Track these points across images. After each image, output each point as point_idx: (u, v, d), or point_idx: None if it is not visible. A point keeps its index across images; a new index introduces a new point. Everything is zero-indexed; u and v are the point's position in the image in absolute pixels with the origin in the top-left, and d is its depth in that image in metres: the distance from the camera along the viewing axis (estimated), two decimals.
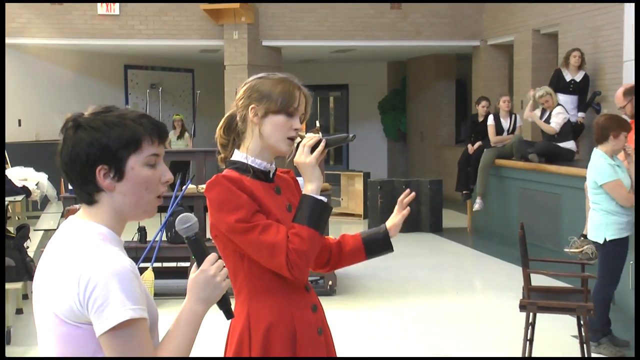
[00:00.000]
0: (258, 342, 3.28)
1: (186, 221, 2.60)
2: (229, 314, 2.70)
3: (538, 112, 13.32)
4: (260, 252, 3.13)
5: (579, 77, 12.92)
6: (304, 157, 3.24)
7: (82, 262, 2.37)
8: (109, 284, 2.33)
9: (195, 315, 2.53)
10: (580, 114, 12.89)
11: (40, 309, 2.48)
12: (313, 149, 3.26)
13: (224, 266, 2.59)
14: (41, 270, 2.51)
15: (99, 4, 17.54)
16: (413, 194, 3.81)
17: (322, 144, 3.28)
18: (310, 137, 3.30)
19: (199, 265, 2.57)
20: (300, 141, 3.31)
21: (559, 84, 13.05)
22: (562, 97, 12.95)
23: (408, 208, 3.79)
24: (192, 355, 2.53)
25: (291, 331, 3.27)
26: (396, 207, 3.78)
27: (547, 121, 13.05)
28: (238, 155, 3.34)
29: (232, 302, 2.76)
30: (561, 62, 13.26)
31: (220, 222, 3.21)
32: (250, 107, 3.29)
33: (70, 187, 10.31)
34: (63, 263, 2.42)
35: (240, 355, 3.32)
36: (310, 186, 3.26)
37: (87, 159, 2.42)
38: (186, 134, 17.27)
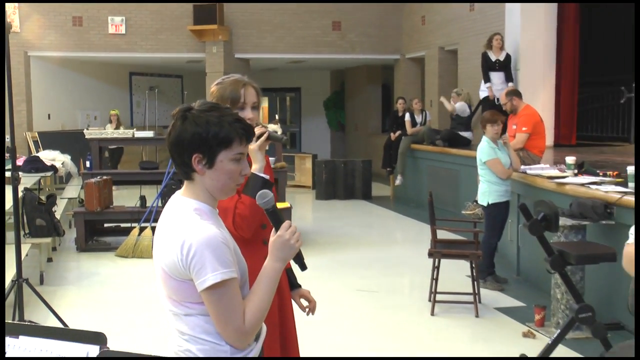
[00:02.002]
0: None
1: (265, 197, 2.53)
2: (302, 267, 2.65)
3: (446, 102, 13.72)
4: (221, 214, 2.95)
5: (502, 56, 12.51)
6: (250, 145, 3.13)
7: (183, 234, 2.36)
8: (204, 253, 2.32)
9: (276, 271, 2.50)
10: (510, 84, 12.20)
11: (157, 265, 2.47)
12: (259, 138, 3.21)
13: (296, 230, 2.54)
14: (158, 235, 2.50)
15: (109, 25, 17.50)
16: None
17: (265, 136, 3.24)
18: (258, 127, 3.24)
19: (276, 230, 2.52)
20: (263, 131, 3.26)
21: (487, 64, 12.59)
22: (492, 75, 12.53)
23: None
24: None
25: (243, 272, 3.24)
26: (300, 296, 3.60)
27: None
28: None
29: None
30: (485, 45, 12.66)
31: None
32: None
33: (89, 164, 10.32)
34: (170, 232, 2.42)
35: None
36: (255, 166, 3.19)
37: (187, 146, 2.40)
38: (121, 127, 16.17)
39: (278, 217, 2.55)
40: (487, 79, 12.51)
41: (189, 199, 2.48)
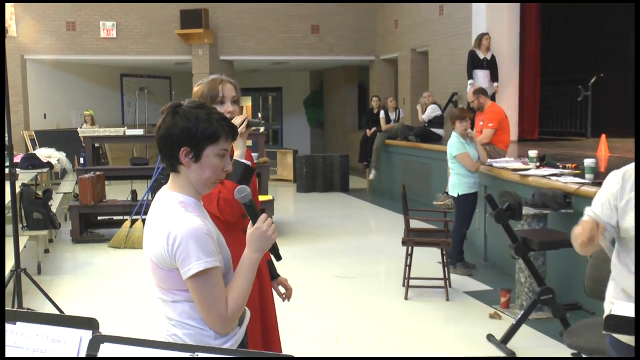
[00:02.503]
0: None
1: (242, 192, 2.53)
2: (278, 257, 2.67)
3: (419, 107, 13.58)
4: (205, 202, 2.98)
5: (489, 55, 12.21)
6: None
7: (169, 225, 2.37)
8: (189, 243, 2.33)
9: (254, 261, 2.50)
10: (495, 84, 12.10)
11: (146, 255, 2.47)
12: (239, 126, 3.19)
13: (272, 222, 2.55)
14: (147, 228, 2.50)
15: (101, 29, 17.42)
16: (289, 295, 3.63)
17: (245, 123, 3.25)
18: (238, 117, 3.26)
19: (253, 223, 2.52)
20: (243, 119, 3.27)
21: (474, 62, 12.19)
22: (478, 72, 12.17)
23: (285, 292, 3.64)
24: None
25: (227, 260, 3.24)
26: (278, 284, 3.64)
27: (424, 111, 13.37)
28: None
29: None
30: (474, 44, 12.26)
31: None
32: None
33: (83, 160, 10.24)
34: (157, 224, 2.43)
35: None
36: (237, 152, 3.19)
37: (176, 139, 2.40)
38: (96, 126, 15.71)
39: (255, 210, 2.56)
40: (470, 76, 12.15)
41: (174, 193, 2.48)
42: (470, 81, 11.99)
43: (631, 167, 3.04)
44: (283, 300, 3.60)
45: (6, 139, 5.97)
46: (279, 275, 3.63)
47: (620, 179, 3.02)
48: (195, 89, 3.35)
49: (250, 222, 2.54)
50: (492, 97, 11.73)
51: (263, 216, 2.54)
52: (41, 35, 17.15)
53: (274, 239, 2.54)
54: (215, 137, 2.44)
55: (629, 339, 2.92)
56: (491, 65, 12.14)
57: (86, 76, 19.01)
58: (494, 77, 12.13)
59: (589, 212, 3.09)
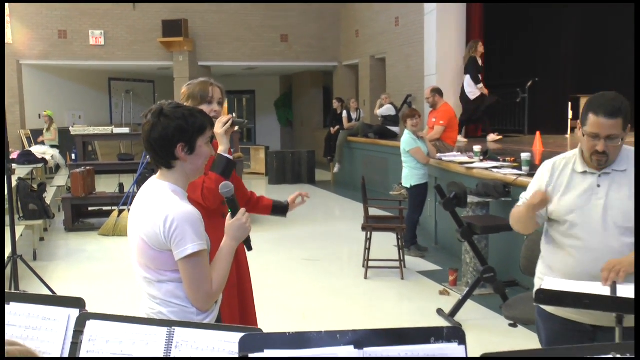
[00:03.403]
0: None
1: (226, 187, 2.55)
2: (249, 248, 2.72)
3: (377, 109, 13.59)
4: (190, 190, 2.98)
5: (481, 62, 11.61)
6: (218, 129, 3.21)
7: (166, 210, 2.35)
8: (185, 226, 2.33)
9: (232, 248, 2.52)
10: (480, 85, 11.43)
11: (134, 238, 2.46)
12: (225, 124, 3.24)
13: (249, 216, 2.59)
14: (136, 212, 2.49)
15: (90, 37, 17.24)
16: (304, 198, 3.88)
17: (230, 122, 3.27)
18: (224, 116, 3.29)
19: (233, 215, 2.54)
20: (228, 119, 3.29)
21: (477, 68, 11.48)
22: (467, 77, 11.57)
23: (301, 201, 3.88)
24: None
25: (207, 244, 3.22)
26: (293, 199, 3.86)
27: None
28: None
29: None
30: (471, 51, 11.46)
31: None
32: (187, 104, 3.14)
33: (74, 156, 10.11)
34: (151, 209, 2.41)
35: None
36: (221, 147, 3.21)
37: (173, 138, 2.40)
38: (52, 127, 15.42)
39: (236, 204, 2.58)
40: (477, 81, 11.45)
41: (167, 183, 2.47)
42: (478, 86, 11.45)
43: (559, 157, 3.08)
44: (305, 200, 3.91)
45: None
46: (287, 203, 3.86)
47: (550, 168, 3.06)
48: (184, 89, 3.38)
49: (230, 214, 2.56)
50: (482, 98, 11.45)
51: (242, 210, 2.57)
52: (35, 42, 16.95)
53: (249, 229, 2.57)
54: (203, 128, 2.47)
55: (553, 309, 2.96)
56: (482, 70, 11.69)
57: (77, 80, 18.78)
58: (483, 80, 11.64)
59: (523, 198, 3.13)
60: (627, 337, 2.40)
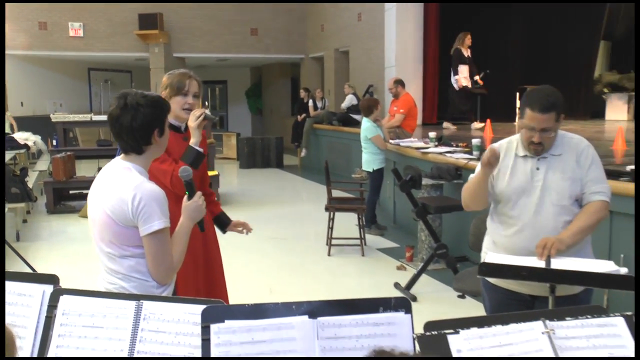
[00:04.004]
0: None
1: (186, 171, 2.58)
2: (202, 229, 2.74)
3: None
4: (160, 174, 3.08)
5: (468, 52, 11.31)
6: (191, 122, 3.21)
7: (134, 189, 2.35)
8: (152, 204, 2.34)
9: (189, 228, 2.54)
10: (477, 77, 11.27)
11: (97, 215, 2.44)
12: (198, 118, 3.22)
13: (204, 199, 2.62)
14: (100, 189, 2.46)
15: (70, 29, 16.95)
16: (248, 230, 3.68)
17: (203, 116, 3.24)
18: (198, 110, 3.26)
19: (189, 198, 2.57)
20: (201, 113, 3.26)
21: (461, 59, 11.22)
22: (462, 67, 11.24)
23: (241, 230, 3.68)
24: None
25: (173, 222, 3.19)
26: (236, 223, 3.67)
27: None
28: None
29: None
30: (458, 43, 11.20)
31: None
32: (164, 92, 3.23)
33: (55, 142, 9.94)
34: (120, 187, 2.39)
35: None
36: (193, 140, 3.20)
37: (152, 123, 2.42)
38: (7, 113, 15.04)
39: (193, 188, 2.62)
40: (456, 72, 11.22)
41: (132, 164, 2.46)
42: (456, 77, 11.27)
43: (503, 142, 3.12)
44: (246, 234, 3.69)
45: None
46: (231, 221, 3.65)
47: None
48: (165, 78, 3.32)
49: (187, 196, 2.59)
50: (466, 88, 11.17)
51: (199, 193, 2.61)
52: (17, 33, 16.60)
53: (204, 212, 2.61)
54: (167, 110, 2.53)
55: (496, 281, 3.02)
56: (470, 62, 11.46)
57: (58, 70, 18.48)
58: (473, 71, 11.42)
59: (470, 178, 3.17)
60: (559, 305, 2.46)
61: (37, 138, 13.74)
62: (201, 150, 3.24)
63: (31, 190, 8.94)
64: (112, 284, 2.44)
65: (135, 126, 2.40)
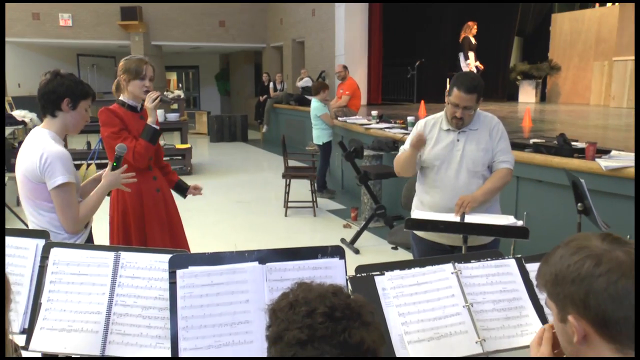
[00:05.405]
0: (118, 196, 3.20)
1: (121, 147, 2.62)
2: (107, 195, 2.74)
3: (298, 82, 13.46)
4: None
5: (474, 40, 10.59)
6: (148, 104, 3.15)
7: (42, 149, 2.39)
8: (56, 162, 2.37)
9: (104, 190, 2.54)
10: (477, 63, 10.49)
11: (19, 175, 2.47)
12: (155, 100, 3.16)
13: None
14: (22, 154, 2.49)
15: (60, 20, 16.38)
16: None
17: (159, 99, 3.18)
18: (154, 93, 3.17)
19: (114, 169, 2.59)
20: (157, 95, 3.18)
21: (470, 46, 10.50)
22: (470, 54, 10.50)
23: (196, 192, 3.53)
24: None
25: (138, 190, 3.16)
26: (194, 187, 3.54)
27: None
28: (122, 98, 3.19)
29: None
30: (466, 31, 10.52)
31: (103, 132, 3.10)
32: (122, 76, 3.17)
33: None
34: (32, 149, 2.43)
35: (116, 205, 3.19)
36: (150, 119, 3.15)
37: (63, 92, 2.46)
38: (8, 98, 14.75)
39: (120, 162, 2.64)
40: (467, 57, 10.46)
41: (47, 130, 2.50)
42: (467, 61, 10.47)
43: (430, 117, 3.20)
44: (198, 194, 3.57)
45: None
46: (189, 186, 3.57)
47: (423, 125, 3.18)
48: (122, 62, 3.22)
49: (114, 167, 2.62)
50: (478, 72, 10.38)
51: (123, 168, 2.63)
52: (13, 22, 16.01)
53: (119, 183, 2.61)
54: (86, 95, 2.53)
55: (422, 234, 3.12)
56: (476, 48, 10.77)
57: (49, 55, 17.87)
58: (477, 57, 10.73)
59: (402, 149, 3.24)
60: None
61: (33, 115, 13.30)
62: (158, 127, 3.19)
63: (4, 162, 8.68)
64: None
65: (47, 90, 2.46)
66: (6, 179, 7.62)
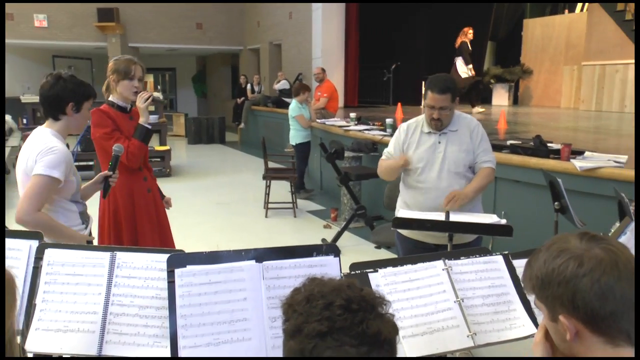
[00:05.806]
0: (112, 198, 3.17)
1: (118, 147, 2.66)
2: (105, 196, 2.80)
3: (275, 84, 13.47)
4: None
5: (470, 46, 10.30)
6: (140, 103, 3.14)
7: (45, 144, 2.41)
8: (49, 155, 2.39)
9: (78, 241, 2.38)
10: (469, 66, 10.09)
11: (20, 173, 2.45)
12: (146, 100, 3.16)
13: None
14: (24, 150, 2.47)
15: (35, 20, 16.09)
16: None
17: (150, 99, 3.20)
18: (145, 93, 3.17)
19: (110, 170, 2.63)
20: (148, 95, 3.18)
21: (469, 51, 10.19)
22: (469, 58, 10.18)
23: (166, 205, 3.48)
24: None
25: (130, 190, 3.17)
26: (166, 200, 3.46)
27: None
28: (111, 98, 3.15)
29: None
30: (463, 36, 10.08)
31: (95, 133, 3.06)
32: (111, 77, 3.14)
33: (25, 121, 9.52)
34: (35, 145, 2.44)
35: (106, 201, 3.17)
36: (142, 118, 3.15)
37: (67, 96, 2.48)
38: None
39: (116, 164, 2.68)
40: (468, 62, 10.14)
41: (49, 129, 2.52)
42: (469, 66, 10.17)
43: (411, 121, 3.24)
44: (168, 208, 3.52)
45: None
46: (165, 196, 3.53)
47: (405, 129, 3.23)
48: (111, 63, 3.20)
49: (110, 167, 2.67)
50: (471, 77, 10.33)
51: (117, 172, 2.68)
52: None
53: (113, 184, 2.70)
54: (89, 96, 2.55)
55: (407, 233, 3.16)
56: (472, 53, 10.54)
57: (25, 56, 17.56)
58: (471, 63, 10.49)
59: (386, 152, 3.29)
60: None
61: (8, 117, 13.11)
62: (150, 127, 3.19)
63: (5, 163, 8.56)
64: None
65: (51, 94, 2.47)
66: None
